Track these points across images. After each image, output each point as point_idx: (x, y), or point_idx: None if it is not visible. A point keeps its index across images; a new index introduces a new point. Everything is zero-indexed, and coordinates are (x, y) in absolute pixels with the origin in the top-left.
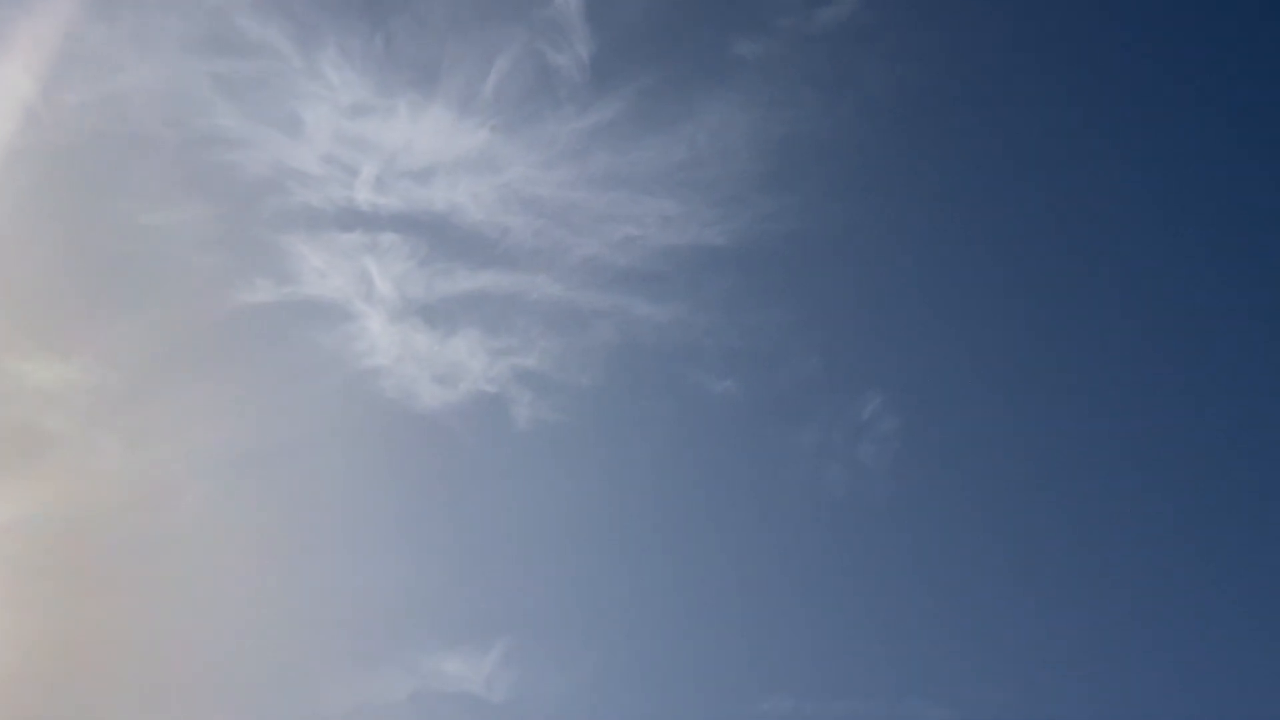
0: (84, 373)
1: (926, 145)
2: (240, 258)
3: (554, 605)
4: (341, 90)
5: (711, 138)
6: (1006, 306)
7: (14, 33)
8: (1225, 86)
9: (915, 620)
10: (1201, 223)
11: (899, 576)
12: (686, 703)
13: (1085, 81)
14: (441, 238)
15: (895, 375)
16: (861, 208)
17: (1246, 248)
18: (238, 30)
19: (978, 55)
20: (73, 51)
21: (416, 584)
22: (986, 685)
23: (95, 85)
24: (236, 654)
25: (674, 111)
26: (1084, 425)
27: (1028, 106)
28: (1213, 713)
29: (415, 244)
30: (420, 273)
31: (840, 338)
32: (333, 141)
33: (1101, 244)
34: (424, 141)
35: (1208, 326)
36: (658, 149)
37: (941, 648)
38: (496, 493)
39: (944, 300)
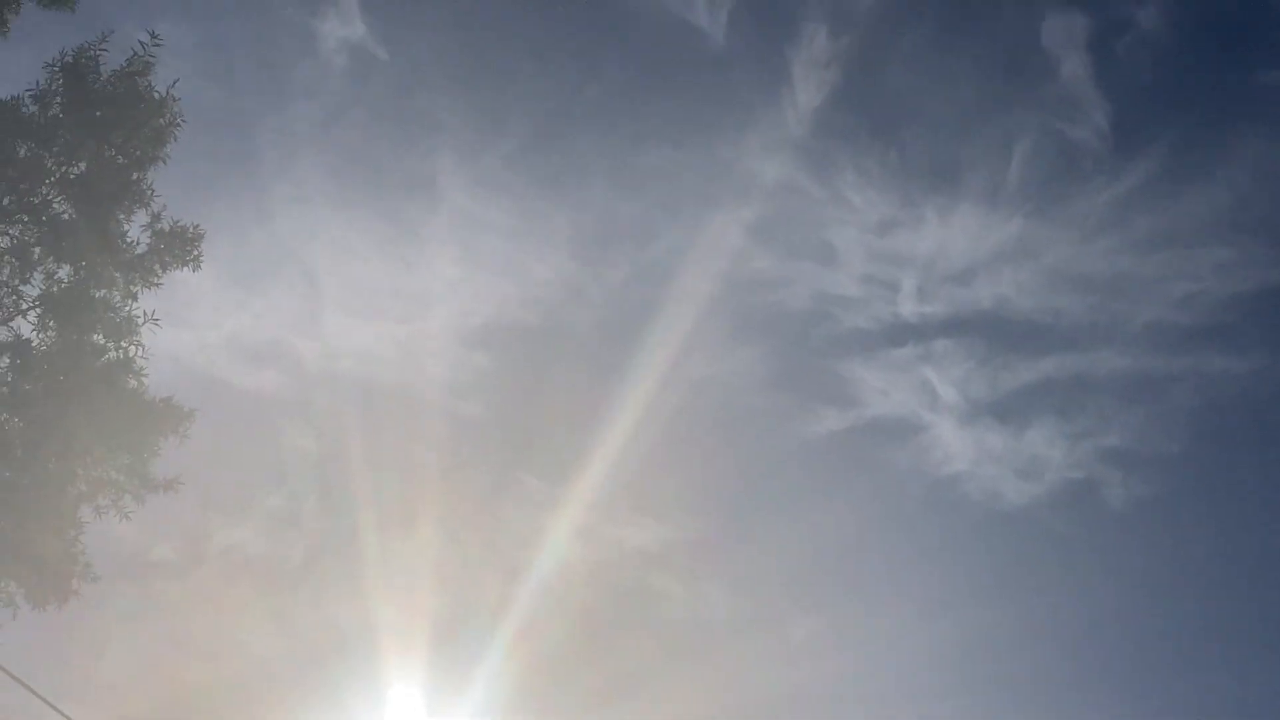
0: (679, 530)
1: None
2: (801, 392)
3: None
4: (866, 211)
5: (1254, 175)
6: None
7: (549, 223)
8: None
9: None
10: None
11: None
12: None
13: None
14: (994, 333)
15: None
16: None
17: None
18: (757, 177)
19: None
20: (603, 229)
21: (1050, 678)
22: None
23: (632, 256)
24: None
25: (1208, 157)
26: None
27: None
28: None
29: (970, 345)
30: (980, 372)
31: None
32: (867, 261)
33: None
34: (958, 243)
35: None
36: (1199, 199)
37: None
38: (1102, 577)
39: None
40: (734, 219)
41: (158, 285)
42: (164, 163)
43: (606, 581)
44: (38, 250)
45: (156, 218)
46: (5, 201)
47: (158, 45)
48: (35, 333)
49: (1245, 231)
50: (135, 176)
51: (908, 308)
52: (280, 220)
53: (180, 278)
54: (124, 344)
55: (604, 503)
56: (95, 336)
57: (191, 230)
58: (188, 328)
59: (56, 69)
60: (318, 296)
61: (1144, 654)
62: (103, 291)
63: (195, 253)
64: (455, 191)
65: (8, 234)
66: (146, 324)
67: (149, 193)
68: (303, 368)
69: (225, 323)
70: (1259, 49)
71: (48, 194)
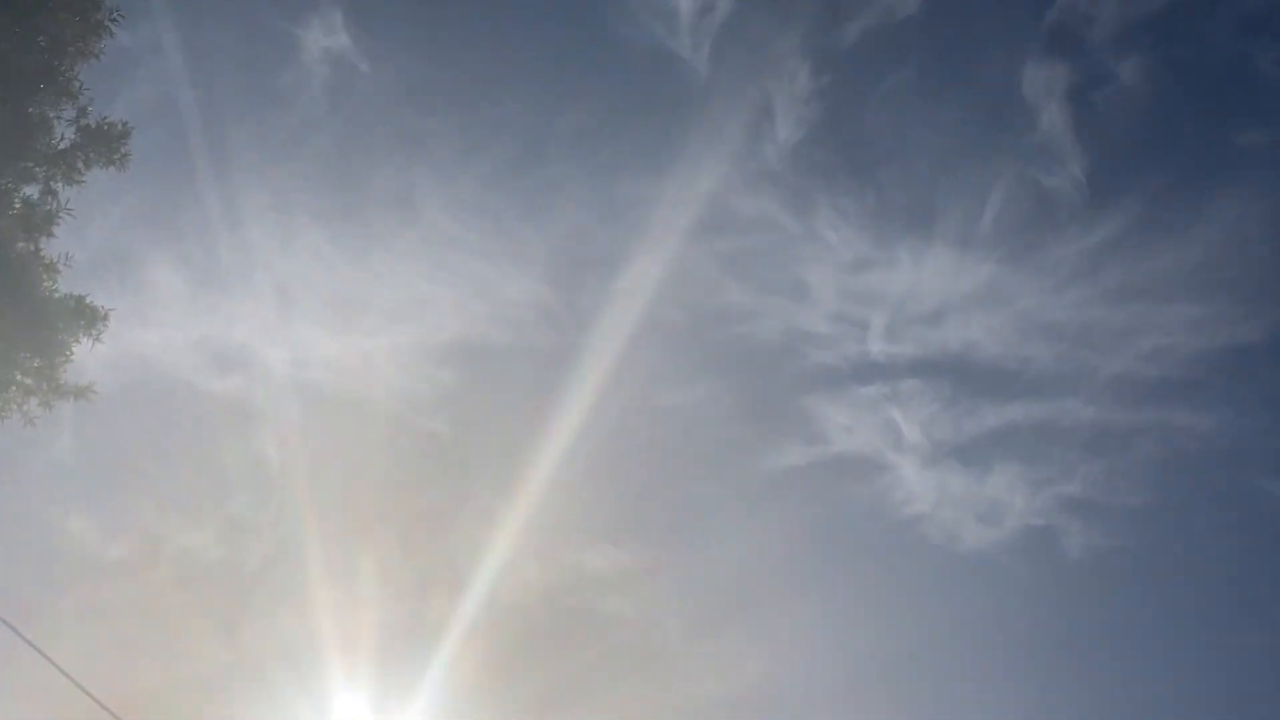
0: (635, 557)
1: None
2: (766, 425)
3: None
4: (840, 249)
5: (1227, 234)
6: None
7: (524, 245)
8: None
9: None
10: None
11: None
12: None
13: None
14: (962, 377)
15: None
16: None
17: None
18: (734, 209)
19: None
20: (578, 253)
21: None
22: None
23: (605, 283)
24: None
25: (1182, 214)
26: None
27: None
28: None
29: (937, 387)
30: (946, 415)
31: None
32: (839, 299)
33: None
34: (929, 285)
35: None
36: (1172, 254)
37: None
38: (1059, 626)
39: None
40: (709, 250)
41: (80, 183)
42: (97, 58)
43: (560, 603)
44: None
45: (83, 112)
46: None
47: None
48: None
49: (1216, 289)
50: (60, 65)
51: (877, 347)
52: (254, 227)
53: (150, 279)
54: (38, 238)
55: (563, 526)
56: (8, 229)
57: (120, 127)
58: (156, 328)
59: None
60: (288, 305)
61: (1098, 705)
62: (18, 184)
63: (122, 151)
64: (431, 208)
65: None
66: (62, 214)
67: (77, 86)
68: (270, 375)
69: (194, 326)
70: (1239, 110)
71: None
